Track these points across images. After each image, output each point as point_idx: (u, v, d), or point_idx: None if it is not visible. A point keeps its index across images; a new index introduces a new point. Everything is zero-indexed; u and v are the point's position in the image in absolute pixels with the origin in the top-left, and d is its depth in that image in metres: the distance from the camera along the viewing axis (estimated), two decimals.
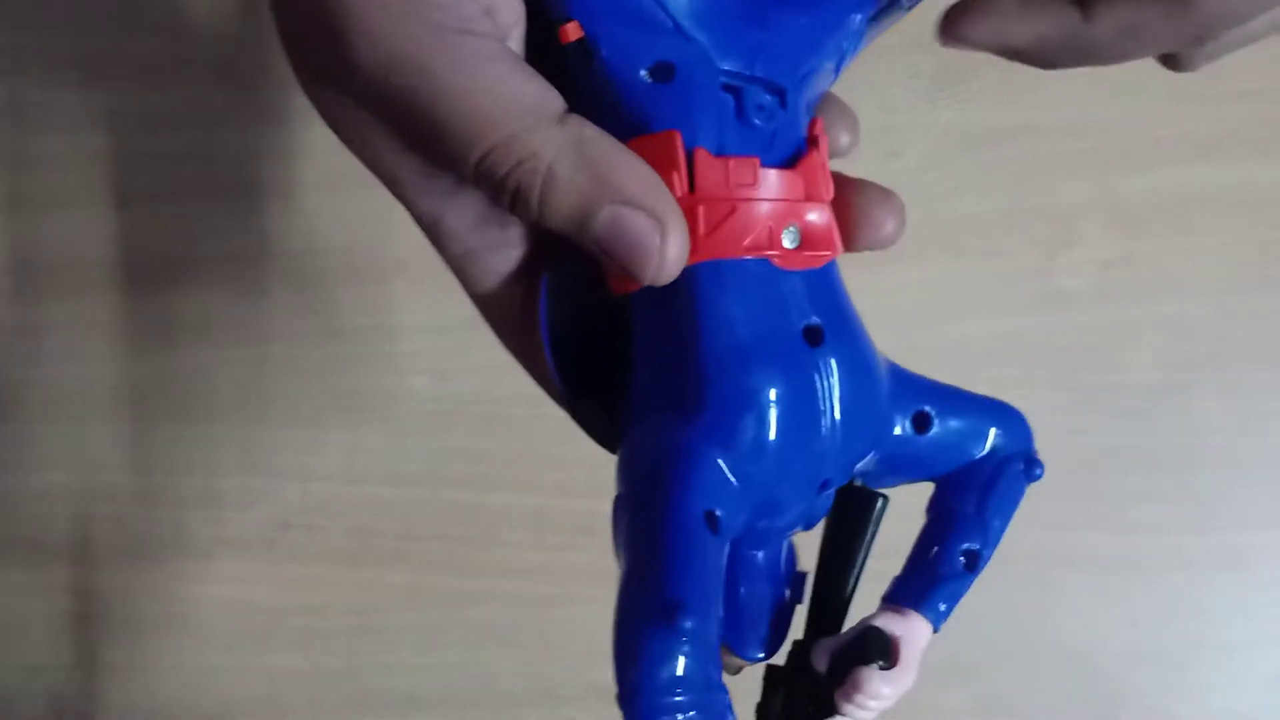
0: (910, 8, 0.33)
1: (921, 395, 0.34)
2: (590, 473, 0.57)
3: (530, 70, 0.29)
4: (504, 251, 0.31)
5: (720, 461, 0.30)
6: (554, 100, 0.29)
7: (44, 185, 0.57)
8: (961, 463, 0.34)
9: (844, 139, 0.34)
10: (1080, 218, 0.57)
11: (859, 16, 0.32)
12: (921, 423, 0.33)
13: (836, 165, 0.33)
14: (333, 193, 0.57)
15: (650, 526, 0.29)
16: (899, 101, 0.56)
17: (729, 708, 0.27)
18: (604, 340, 0.32)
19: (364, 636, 0.59)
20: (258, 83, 0.56)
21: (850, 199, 0.33)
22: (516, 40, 0.30)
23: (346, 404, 0.58)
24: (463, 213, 0.31)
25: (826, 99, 0.34)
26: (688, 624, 0.26)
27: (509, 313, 0.32)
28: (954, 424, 0.34)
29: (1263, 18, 0.30)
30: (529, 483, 0.58)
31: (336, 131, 0.30)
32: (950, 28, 0.32)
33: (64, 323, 0.58)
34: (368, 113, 0.29)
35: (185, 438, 0.58)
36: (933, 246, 0.56)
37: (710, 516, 0.29)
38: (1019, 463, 0.35)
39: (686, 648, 0.26)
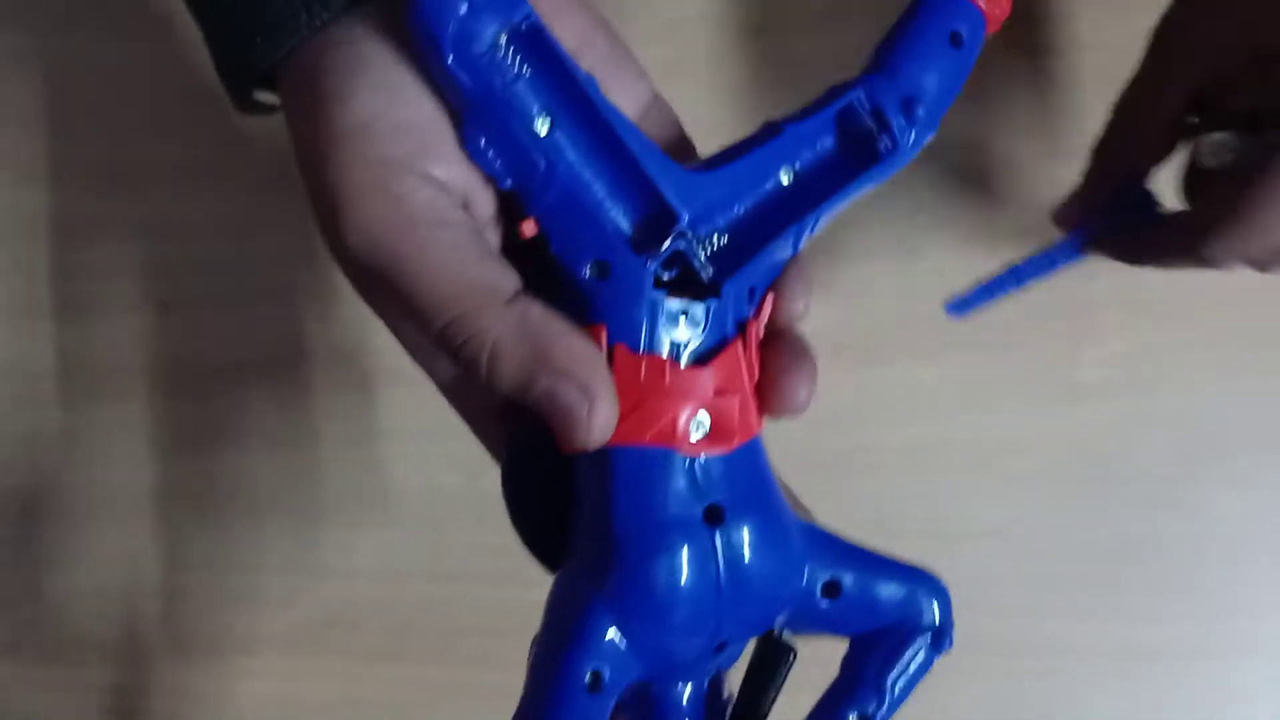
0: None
1: (839, 561, 0.36)
2: None
3: (493, 258, 0.33)
4: (484, 398, 0.35)
5: (615, 628, 0.33)
6: (506, 284, 0.33)
7: (86, 293, 0.58)
8: (871, 626, 0.37)
9: (798, 306, 0.36)
10: (1099, 311, 0.58)
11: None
12: (831, 590, 0.36)
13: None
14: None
15: (542, 677, 0.33)
16: (923, 203, 0.57)
17: None
18: (561, 490, 0.35)
19: None
20: (289, 189, 0.58)
21: (768, 369, 0.35)
22: (493, 230, 0.34)
23: (384, 502, 0.59)
24: (446, 369, 0.36)
25: (790, 263, 0.36)
26: None
27: (496, 442, 0.37)
28: (867, 590, 0.36)
29: None
30: None
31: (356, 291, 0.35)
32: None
33: (108, 426, 0.59)
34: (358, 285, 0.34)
35: (227, 538, 0.59)
36: (953, 341, 0.57)
37: (596, 676, 0.33)
38: (927, 635, 0.37)
39: None
